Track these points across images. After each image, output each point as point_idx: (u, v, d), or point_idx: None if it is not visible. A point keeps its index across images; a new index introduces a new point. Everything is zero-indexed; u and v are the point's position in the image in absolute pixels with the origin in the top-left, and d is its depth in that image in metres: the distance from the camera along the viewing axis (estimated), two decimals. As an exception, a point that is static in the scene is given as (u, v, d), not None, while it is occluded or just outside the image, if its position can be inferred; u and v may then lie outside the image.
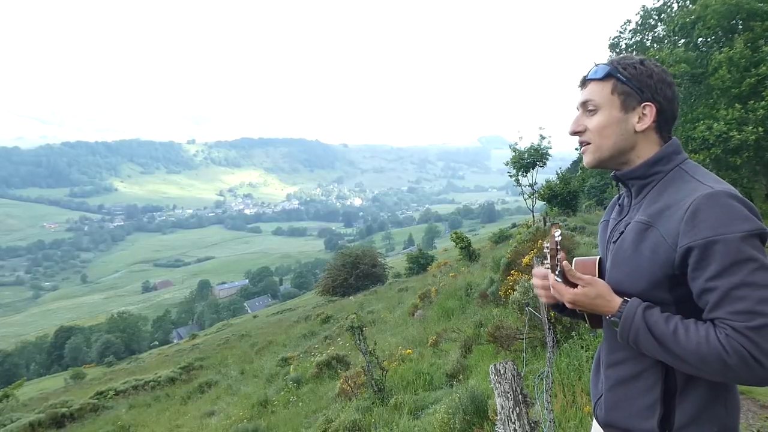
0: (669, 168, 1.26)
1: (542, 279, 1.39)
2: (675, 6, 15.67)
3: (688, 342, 1.08)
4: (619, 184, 1.38)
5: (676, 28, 13.93)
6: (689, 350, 1.08)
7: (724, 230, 1.07)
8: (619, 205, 1.41)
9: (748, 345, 1.03)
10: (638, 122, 1.26)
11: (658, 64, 1.30)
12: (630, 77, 1.25)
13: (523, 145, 18.59)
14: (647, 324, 1.13)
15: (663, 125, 1.28)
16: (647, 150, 1.29)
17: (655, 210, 1.21)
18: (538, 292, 1.44)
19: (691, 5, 14.39)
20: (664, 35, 14.72)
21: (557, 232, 1.25)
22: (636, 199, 1.32)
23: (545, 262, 1.27)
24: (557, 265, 1.24)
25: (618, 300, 1.20)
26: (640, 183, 1.30)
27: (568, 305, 1.26)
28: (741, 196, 1.14)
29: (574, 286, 1.23)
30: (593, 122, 1.30)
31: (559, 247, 1.25)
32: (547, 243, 1.26)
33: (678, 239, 1.13)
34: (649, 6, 16.02)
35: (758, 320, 1.03)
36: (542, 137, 18.59)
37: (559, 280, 1.24)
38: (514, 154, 18.54)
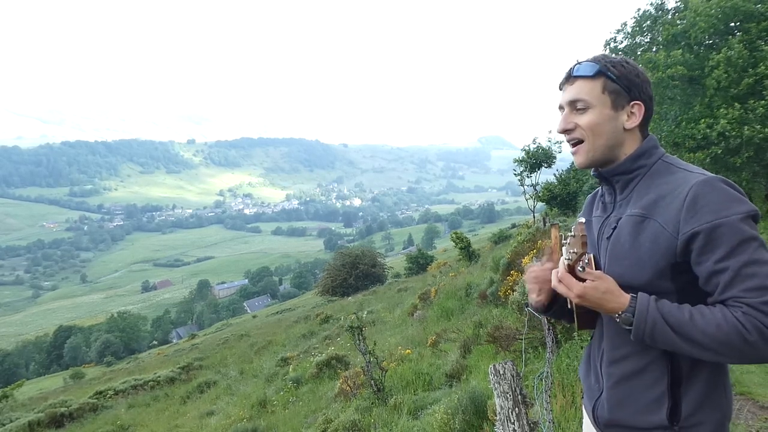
0: (652, 161, 1.29)
1: (538, 275, 1.39)
2: (671, 6, 15.66)
3: (707, 326, 1.09)
4: (603, 183, 1.39)
5: (669, 38, 13.95)
6: (709, 334, 1.08)
7: (726, 213, 1.10)
8: (602, 203, 1.41)
9: (766, 320, 1.05)
10: (627, 120, 1.28)
11: (638, 65, 1.32)
12: (620, 75, 1.27)
13: (533, 147, 19.11)
14: (662, 315, 1.13)
15: (645, 122, 1.31)
16: (632, 147, 1.31)
17: (648, 201, 1.23)
18: (530, 287, 1.42)
19: (680, 14, 14.40)
20: (658, 41, 14.70)
21: (582, 219, 1.22)
22: (622, 194, 1.33)
23: (571, 252, 1.20)
24: (584, 255, 1.19)
25: (627, 296, 1.18)
26: (625, 178, 1.32)
27: (575, 300, 1.23)
28: (731, 181, 1.18)
29: (582, 281, 1.21)
30: (585, 120, 1.29)
31: (585, 235, 1.21)
32: (572, 233, 1.20)
33: (679, 226, 1.14)
34: (644, 9, 16.01)
35: None
36: (550, 141, 19.06)
37: (581, 270, 1.20)
38: (524, 154, 18.97)
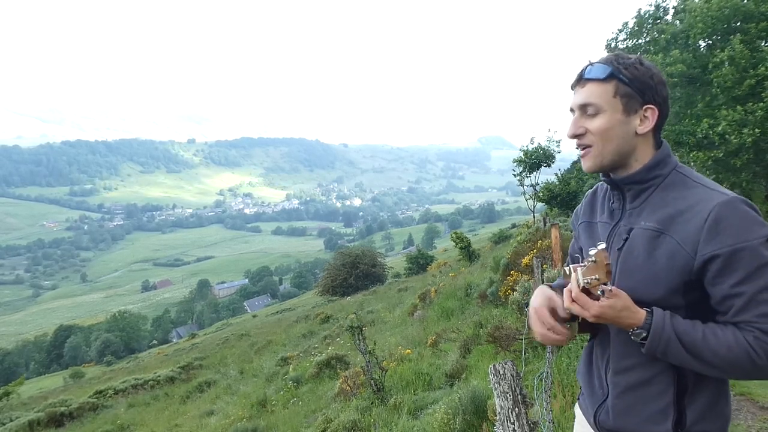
0: (666, 172, 1.25)
1: (546, 320, 1.29)
2: (671, 11, 15.65)
3: (719, 347, 1.10)
4: (614, 189, 1.34)
5: (668, 38, 13.96)
6: (720, 355, 1.10)
7: (747, 237, 1.09)
8: (609, 208, 1.38)
9: None
10: (640, 125, 1.24)
11: (653, 65, 1.28)
12: (632, 78, 1.22)
13: (531, 147, 19.03)
14: (677, 333, 1.13)
15: (660, 126, 1.27)
16: (645, 153, 1.27)
17: (665, 216, 1.20)
18: (539, 331, 1.31)
19: (678, 16, 14.43)
20: (658, 42, 14.69)
21: (603, 244, 1.13)
22: (633, 203, 1.29)
23: (593, 279, 1.12)
24: (607, 283, 1.13)
25: (642, 311, 1.16)
26: (638, 188, 1.28)
27: (591, 320, 1.19)
28: (750, 202, 1.16)
29: (596, 298, 1.17)
30: (595, 125, 1.25)
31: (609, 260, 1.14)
32: (592, 258, 1.12)
33: (698, 247, 1.13)
34: (644, 10, 16.01)
35: None
36: (549, 140, 19.00)
37: (604, 295, 1.15)
38: (522, 154, 18.91)
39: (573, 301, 1.18)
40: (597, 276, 1.12)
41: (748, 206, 1.14)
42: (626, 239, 1.26)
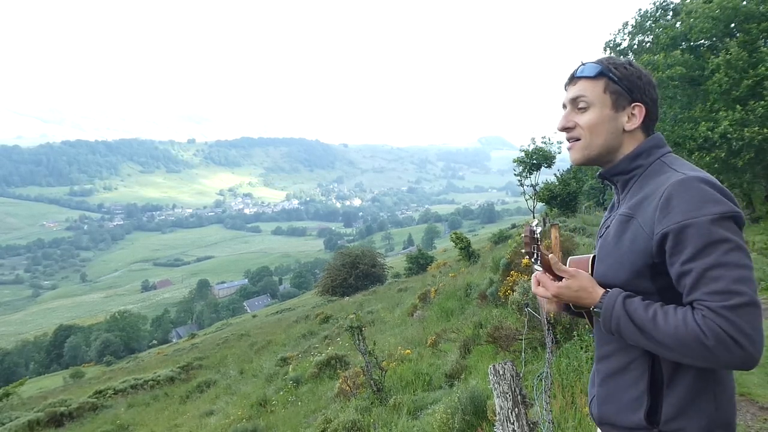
0: (650, 161, 1.29)
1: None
2: (671, 12, 15.66)
3: (667, 326, 1.08)
4: (607, 183, 1.41)
5: (668, 41, 13.98)
6: (668, 334, 1.08)
7: (695, 213, 1.09)
8: (612, 204, 1.44)
9: (725, 325, 1.02)
10: (628, 122, 1.29)
11: (643, 67, 1.34)
12: (621, 77, 1.28)
13: (532, 147, 19.02)
14: (627, 312, 1.14)
15: (649, 125, 1.32)
16: (631, 149, 1.32)
17: (636, 202, 1.24)
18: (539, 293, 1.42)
19: (678, 18, 14.44)
20: (658, 41, 14.70)
21: (534, 222, 1.26)
22: (622, 194, 1.35)
23: (522, 252, 1.29)
24: (533, 253, 1.25)
25: (600, 291, 1.21)
26: (623, 178, 1.33)
27: (553, 299, 1.29)
28: (714, 181, 1.15)
29: (560, 279, 1.25)
30: (584, 119, 1.31)
31: (536, 236, 1.25)
32: (523, 233, 1.27)
33: (653, 227, 1.15)
34: (644, 9, 16.02)
35: (735, 299, 1.03)
36: (549, 141, 19.01)
37: (539, 268, 1.26)
38: (522, 154, 18.93)
39: (537, 283, 1.29)
40: (524, 249, 1.27)
41: (705, 184, 1.13)
42: (608, 227, 1.33)
